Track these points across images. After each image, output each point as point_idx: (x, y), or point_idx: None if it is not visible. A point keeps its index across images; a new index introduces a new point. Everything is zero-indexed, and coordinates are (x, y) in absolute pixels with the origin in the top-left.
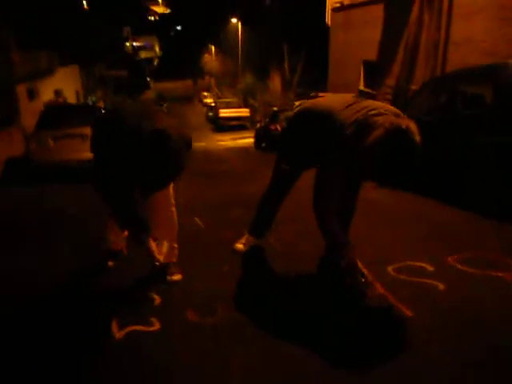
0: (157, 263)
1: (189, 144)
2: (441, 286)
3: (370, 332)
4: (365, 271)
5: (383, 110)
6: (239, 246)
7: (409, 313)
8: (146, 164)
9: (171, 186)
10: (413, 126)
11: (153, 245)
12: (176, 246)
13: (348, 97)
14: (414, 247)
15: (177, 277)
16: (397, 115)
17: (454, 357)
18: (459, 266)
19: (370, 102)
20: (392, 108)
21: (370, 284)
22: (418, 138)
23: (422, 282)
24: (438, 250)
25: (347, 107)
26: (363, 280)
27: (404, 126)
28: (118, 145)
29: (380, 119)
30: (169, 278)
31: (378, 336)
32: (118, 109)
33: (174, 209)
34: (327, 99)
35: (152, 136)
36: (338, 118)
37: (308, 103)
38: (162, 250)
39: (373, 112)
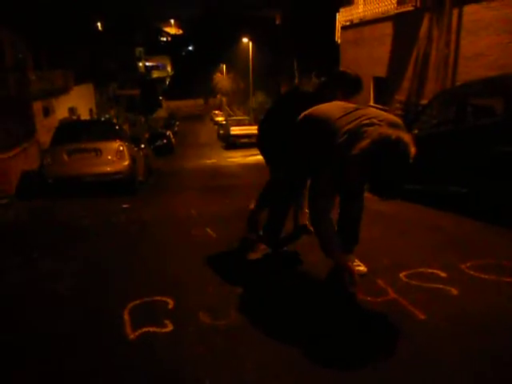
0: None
1: None
2: (453, 291)
3: (382, 334)
4: (356, 277)
5: (378, 119)
6: (252, 254)
7: (421, 316)
8: None
9: None
10: (406, 138)
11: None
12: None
13: (349, 104)
14: (426, 255)
15: None
16: (393, 125)
17: (464, 359)
18: (472, 273)
19: (369, 111)
20: (391, 118)
21: (382, 289)
22: (412, 149)
23: (435, 287)
24: (451, 257)
25: (344, 115)
26: (351, 281)
27: (394, 137)
28: None
29: (370, 129)
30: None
31: (390, 338)
32: None
33: None
34: (328, 105)
35: None
36: (333, 125)
37: (310, 109)
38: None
39: (365, 122)
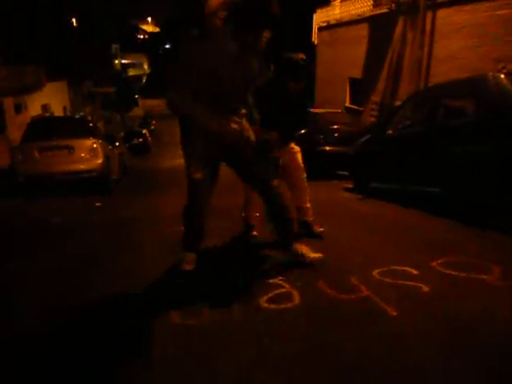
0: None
1: None
2: (425, 288)
3: (355, 331)
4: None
5: None
6: (186, 266)
7: (393, 312)
8: None
9: (299, 154)
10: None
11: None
12: (309, 206)
13: None
14: (398, 253)
15: (322, 229)
16: None
17: (435, 355)
18: (443, 270)
19: None
20: None
21: (356, 287)
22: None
23: (407, 284)
24: (423, 255)
25: None
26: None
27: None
28: None
29: None
30: (316, 230)
31: (363, 335)
32: None
33: (305, 174)
34: None
35: None
36: None
37: None
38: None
39: None
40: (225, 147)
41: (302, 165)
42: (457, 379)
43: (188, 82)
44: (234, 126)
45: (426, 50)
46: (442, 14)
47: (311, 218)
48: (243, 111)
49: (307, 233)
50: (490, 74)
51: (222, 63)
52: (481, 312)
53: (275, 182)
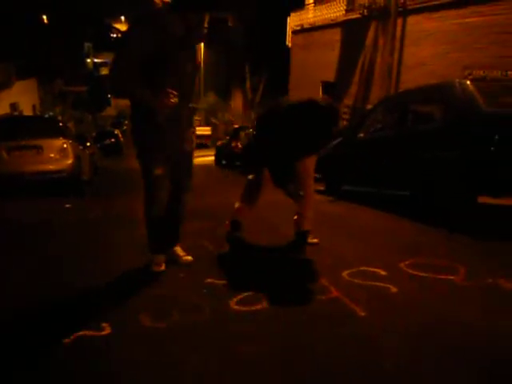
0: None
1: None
2: (393, 289)
3: (326, 331)
4: None
5: None
6: (155, 266)
7: (362, 313)
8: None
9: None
10: None
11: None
12: (309, 215)
13: None
14: (368, 255)
15: (316, 240)
16: None
17: (401, 354)
18: (410, 271)
19: None
20: None
21: (325, 288)
22: None
23: (375, 285)
24: (392, 256)
25: None
26: None
27: None
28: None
29: None
30: (309, 241)
31: (333, 335)
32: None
33: (312, 181)
34: None
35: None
36: None
37: None
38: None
39: None
40: (173, 136)
41: (313, 173)
42: (441, 378)
43: (135, 68)
44: (173, 100)
45: (396, 56)
46: (412, 20)
47: (305, 228)
48: (193, 108)
49: (298, 243)
50: (457, 80)
51: (168, 45)
52: (446, 310)
53: (187, 197)
